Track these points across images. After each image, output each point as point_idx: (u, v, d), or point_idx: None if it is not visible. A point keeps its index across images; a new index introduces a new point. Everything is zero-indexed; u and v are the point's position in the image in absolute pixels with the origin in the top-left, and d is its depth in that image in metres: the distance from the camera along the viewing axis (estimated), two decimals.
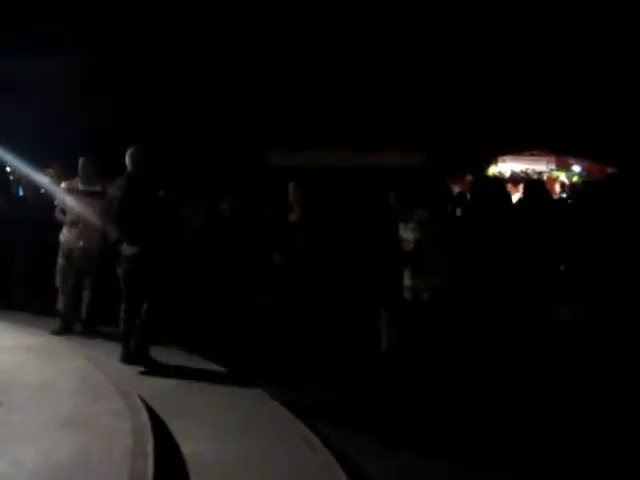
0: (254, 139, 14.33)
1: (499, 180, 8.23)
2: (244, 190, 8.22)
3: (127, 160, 5.72)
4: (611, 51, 13.54)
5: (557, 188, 11.02)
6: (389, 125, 14.07)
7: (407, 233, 5.07)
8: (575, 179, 12.63)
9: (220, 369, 5.65)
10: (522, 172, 12.87)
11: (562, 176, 12.74)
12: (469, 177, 12.71)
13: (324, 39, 14.74)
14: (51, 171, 8.73)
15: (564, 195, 10.65)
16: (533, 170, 12.91)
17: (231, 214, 7.06)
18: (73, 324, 6.66)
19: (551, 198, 7.81)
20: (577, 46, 13.72)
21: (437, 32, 14.36)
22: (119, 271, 5.64)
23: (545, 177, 12.84)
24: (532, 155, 13.03)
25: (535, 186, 6.77)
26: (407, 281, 5.04)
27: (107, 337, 6.34)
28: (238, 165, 13.25)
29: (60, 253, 6.63)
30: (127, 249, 5.50)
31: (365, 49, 14.62)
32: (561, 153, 12.92)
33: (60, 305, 6.66)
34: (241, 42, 14.92)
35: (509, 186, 12.03)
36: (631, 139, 12.71)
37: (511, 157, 13.08)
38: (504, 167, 12.99)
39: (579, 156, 12.77)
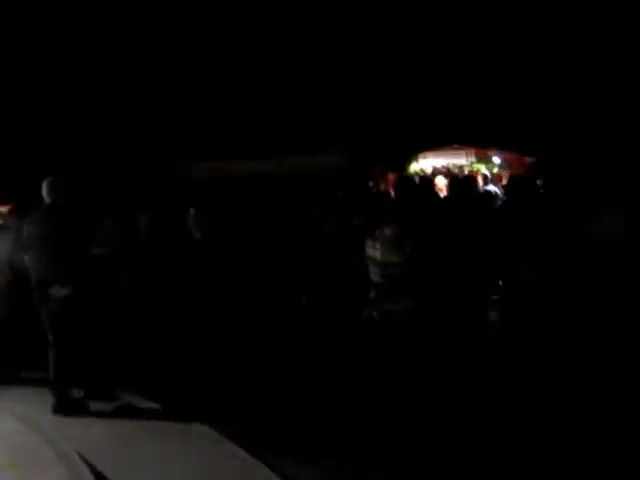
0: (169, 148, 13.57)
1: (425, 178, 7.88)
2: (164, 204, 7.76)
3: (45, 192, 5.28)
4: (524, 38, 13.61)
5: (480, 180, 10.81)
6: (305, 128, 13.62)
7: (374, 252, 4.88)
8: (496, 170, 12.56)
9: (167, 409, 5.15)
10: (443, 167, 12.69)
11: (483, 168, 12.62)
12: (391, 175, 12.51)
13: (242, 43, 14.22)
14: None
15: (490, 187, 10.50)
16: (454, 164, 12.76)
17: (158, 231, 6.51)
18: None
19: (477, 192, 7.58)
20: (491, 34, 13.72)
21: (358, 27, 14.05)
22: (44, 314, 5.19)
23: (466, 170, 12.74)
24: (452, 149, 12.86)
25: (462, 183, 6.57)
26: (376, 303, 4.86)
27: (29, 384, 5.74)
28: (154, 178, 12.52)
29: None
30: (57, 290, 5.03)
31: (280, 48, 14.14)
32: (480, 146, 12.80)
33: None
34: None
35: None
36: (548, 128, 12.77)
37: (432, 153, 12.88)
38: (425, 163, 12.79)
39: (498, 148, 12.69)
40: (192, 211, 6.34)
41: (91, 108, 13.82)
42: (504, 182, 12.26)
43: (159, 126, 13.92)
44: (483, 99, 14.10)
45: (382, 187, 12.60)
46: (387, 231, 4.90)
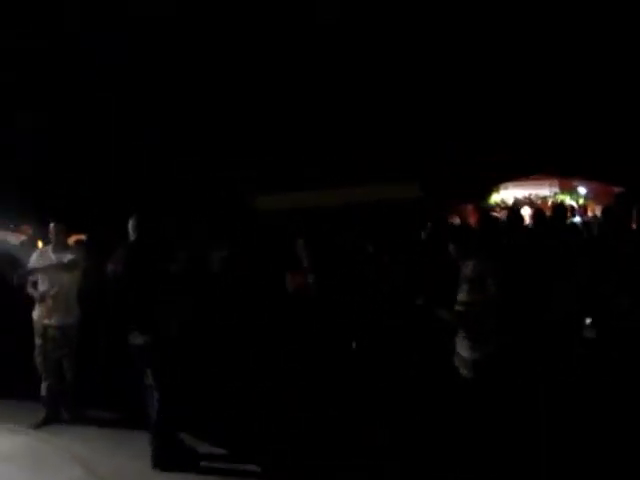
0: (238, 183, 13.69)
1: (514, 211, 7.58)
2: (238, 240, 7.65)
3: (132, 228, 5.01)
4: (612, 71, 13.09)
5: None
6: (377, 156, 13.46)
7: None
8: (581, 202, 12.04)
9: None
10: (525, 198, 12.26)
11: (567, 199, 12.11)
12: (470, 207, 12.17)
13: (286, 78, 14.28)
14: (25, 232, 8.04)
15: (576, 219, 10.04)
16: (536, 195, 12.30)
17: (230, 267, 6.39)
18: (59, 412, 5.89)
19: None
20: (573, 65, 13.28)
21: (427, 57, 13.87)
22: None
23: (550, 202, 12.26)
24: (534, 180, 12.42)
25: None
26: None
27: (96, 424, 5.66)
28: (224, 211, 12.59)
29: (35, 332, 5.91)
30: (135, 337, 4.80)
31: (346, 74, 14.10)
32: (564, 176, 12.31)
33: (43, 391, 5.89)
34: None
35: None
36: (637, 155, 12.16)
37: (513, 183, 12.47)
38: (507, 194, 12.39)
39: (583, 177, 12.17)
40: (300, 242, 5.94)
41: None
42: (590, 214, 11.78)
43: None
44: (567, 127, 13.60)
45: (460, 220, 12.33)
46: (471, 267, 4.49)
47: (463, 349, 4.47)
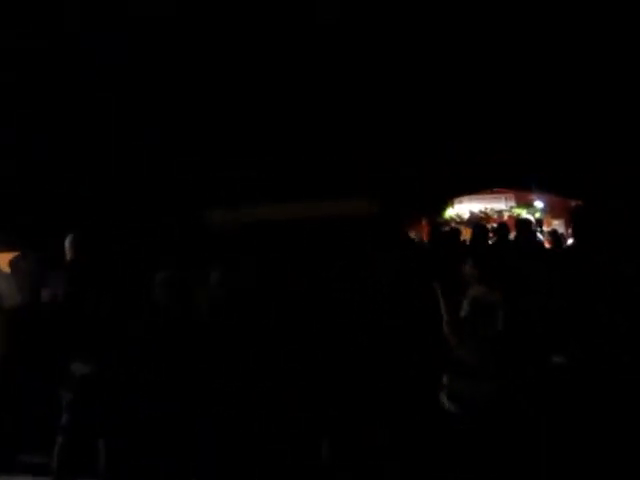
0: (187, 196, 12.85)
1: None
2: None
3: (68, 247, 4.40)
4: (566, 74, 12.80)
5: None
6: (329, 171, 12.86)
7: None
8: (538, 215, 11.67)
9: None
10: (481, 212, 11.87)
11: (524, 213, 11.75)
12: (424, 222, 11.70)
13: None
14: None
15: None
16: (492, 209, 11.94)
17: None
18: None
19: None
20: (529, 69, 12.94)
21: (378, 66, 13.37)
22: (65, 396, 4.25)
23: (506, 216, 11.90)
24: (490, 193, 12.03)
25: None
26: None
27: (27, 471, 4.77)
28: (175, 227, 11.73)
29: None
30: (79, 367, 4.17)
31: (295, 85, 13.50)
32: (520, 189, 11.94)
33: None
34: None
35: (462, 228, 11.06)
36: (594, 168, 11.83)
37: (467, 197, 12.05)
38: (461, 208, 11.97)
39: (540, 191, 11.81)
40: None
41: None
42: (546, 228, 11.42)
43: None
44: (521, 138, 13.23)
45: (415, 236, 11.81)
46: (479, 294, 3.86)
47: (462, 385, 3.80)
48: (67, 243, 4.37)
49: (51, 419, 4.59)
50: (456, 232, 7.96)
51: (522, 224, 6.13)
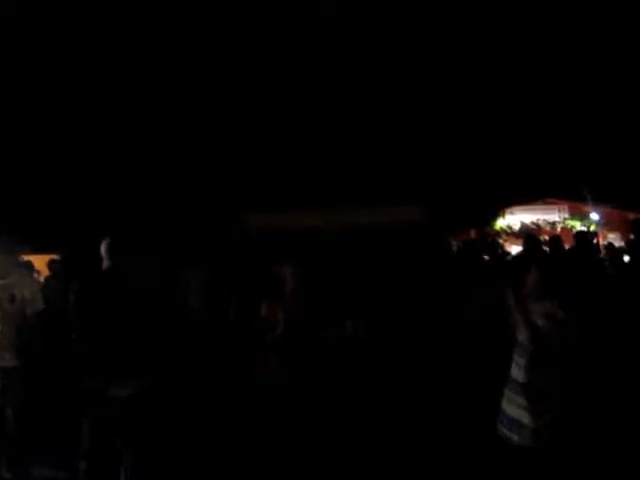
0: (227, 198, 12.79)
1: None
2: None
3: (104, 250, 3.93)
4: (624, 89, 12.30)
5: None
6: (377, 176, 12.63)
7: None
8: (593, 228, 11.19)
9: None
10: (533, 223, 11.47)
11: (578, 225, 11.30)
12: (473, 233, 11.37)
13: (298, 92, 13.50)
14: None
15: None
16: (545, 221, 11.52)
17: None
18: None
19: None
20: (583, 86, 12.49)
21: (435, 76, 13.12)
22: (87, 418, 3.72)
23: (559, 228, 11.49)
24: (543, 204, 11.62)
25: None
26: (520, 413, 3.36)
27: None
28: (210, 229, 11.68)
29: None
30: (116, 389, 3.67)
31: (347, 93, 13.34)
32: (574, 200, 11.49)
33: None
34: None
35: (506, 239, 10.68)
36: None
37: (519, 208, 11.67)
38: (513, 219, 11.59)
39: (596, 203, 11.34)
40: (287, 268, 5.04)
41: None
42: (602, 241, 10.94)
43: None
44: (577, 147, 12.75)
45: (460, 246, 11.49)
46: (550, 310, 3.35)
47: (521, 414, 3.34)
48: (103, 248, 4.01)
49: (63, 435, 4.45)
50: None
51: (582, 237, 5.68)
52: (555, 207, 11.52)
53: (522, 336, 3.35)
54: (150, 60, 13.37)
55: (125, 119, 13.33)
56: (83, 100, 13.04)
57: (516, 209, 11.66)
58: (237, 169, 13.37)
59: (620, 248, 8.86)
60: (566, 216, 11.53)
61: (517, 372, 3.30)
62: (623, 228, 11.45)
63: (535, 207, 11.61)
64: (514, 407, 3.32)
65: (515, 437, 3.26)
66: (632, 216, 11.44)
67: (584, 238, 5.48)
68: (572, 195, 11.58)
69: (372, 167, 12.85)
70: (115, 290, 3.83)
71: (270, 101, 13.67)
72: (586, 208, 11.36)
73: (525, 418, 3.26)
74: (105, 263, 3.86)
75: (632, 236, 9.66)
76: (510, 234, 11.14)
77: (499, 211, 11.57)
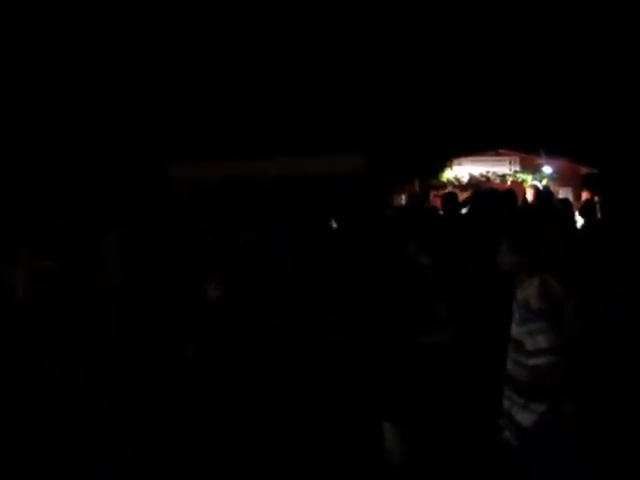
0: (149, 146, 11.53)
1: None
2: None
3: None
4: (585, 41, 11.53)
5: (530, 195, 8.63)
6: (314, 122, 11.57)
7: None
8: (545, 182, 10.43)
9: None
10: (482, 176, 10.65)
11: (529, 179, 10.53)
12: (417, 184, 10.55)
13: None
14: None
15: None
16: (494, 173, 10.71)
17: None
18: None
19: None
20: (540, 37, 11.65)
21: (375, 21, 12.04)
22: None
23: (509, 181, 10.69)
24: (493, 155, 10.79)
25: None
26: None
27: None
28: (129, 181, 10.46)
29: None
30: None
31: (283, 34, 12.14)
32: (527, 152, 10.70)
33: None
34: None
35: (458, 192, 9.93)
36: (611, 133, 10.60)
37: (468, 159, 10.81)
38: (460, 171, 10.72)
39: (548, 155, 10.56)
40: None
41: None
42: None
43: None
44: (530, 97, 11.95)
45: (406, 198, 10.62)
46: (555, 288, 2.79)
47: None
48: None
49: None
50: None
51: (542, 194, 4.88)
52: (506, 159, 10.71)
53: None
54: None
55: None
56: None
57: (465, 160, 10.80)
58: (160, 113, 12.13)
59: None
60: (517, 169, 10.75)
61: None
62: (574, 183, 10.78)
63: (485, 158, 10.78)
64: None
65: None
66: (584, 170, 10.79)
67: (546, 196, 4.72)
68: (524, 146, 10.80)
69: (309, 112, 11.82)
70: None
71: (197, 41, 12.46)
72: (538, 161, 10.58)
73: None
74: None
75: (585, 195, 8.89)
76: (457, 186, 10.31)
77: (447, 161, 10.68)
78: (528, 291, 2.73)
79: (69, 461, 3.51)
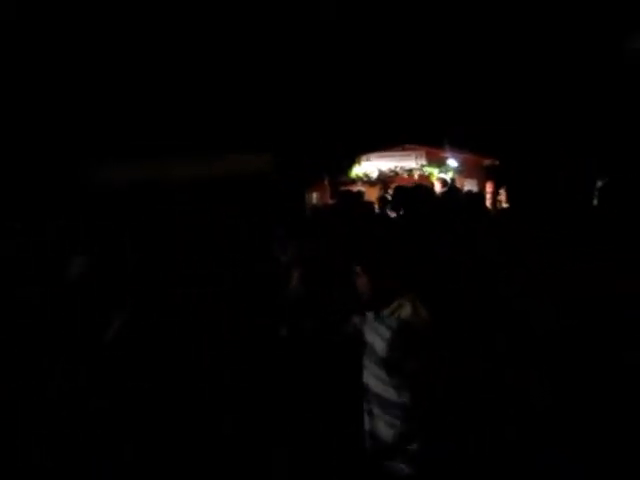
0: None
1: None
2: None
3: None
4: (485, 30, 11.80)
5: (437, 187, 8.74)
6: (216, 121, 11.23)
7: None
8: (451, 175, 10.62)
9: None
10: (390, 171, 10.71)
11: (435, 172, 10.69)
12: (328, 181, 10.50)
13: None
14: None
15: None
16: (402, 168, 10.79)
17: None
18: None
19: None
20: (444, 34, 11.82)
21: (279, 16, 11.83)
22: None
23: (416, 175, 10.81)
24: (399, 150, 10.87)
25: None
26: None
27: None
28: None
29: None
30: None
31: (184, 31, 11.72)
32: (432, 146, 10.85)
33: None
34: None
35: (367, 188, 9.97)
36: (511, 124, 10.91)
37: (375, 154, 10.84)
38: (369, 166, 10.73)
39: (452, 148, 10.75)
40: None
41: None
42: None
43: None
44: (432, 91, 12.14)
45: (317, 197, 10.53)
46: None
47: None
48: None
49: None
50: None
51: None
52: (413, 153, 10.81)
53: None
54: None
55: None
56: None
57: (372, 156, 10.82)
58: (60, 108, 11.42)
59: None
60: (423, 162, 10.87)
61: None
62: (478, 175, 11.05)
63: (392, 154, 10.84)
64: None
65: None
66: (487, 162, 11.07)
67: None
68: (429, 141, 10.94)
69: (210, 110, 11.46)
70: None
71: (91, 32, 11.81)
72: (443, 154, 10.75)
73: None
74: None
75: (489, 186, 9.09)
76: (366, 182, 10.31)
77: (356, 158, 10.66)
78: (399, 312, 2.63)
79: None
